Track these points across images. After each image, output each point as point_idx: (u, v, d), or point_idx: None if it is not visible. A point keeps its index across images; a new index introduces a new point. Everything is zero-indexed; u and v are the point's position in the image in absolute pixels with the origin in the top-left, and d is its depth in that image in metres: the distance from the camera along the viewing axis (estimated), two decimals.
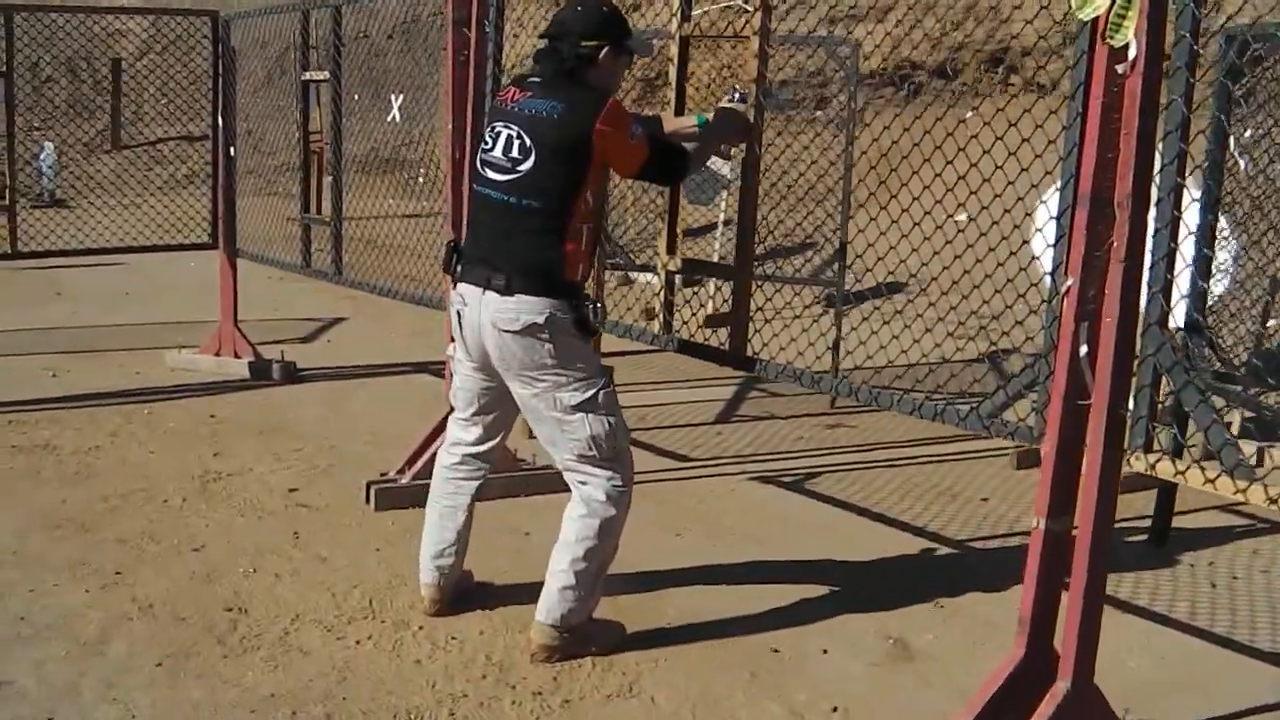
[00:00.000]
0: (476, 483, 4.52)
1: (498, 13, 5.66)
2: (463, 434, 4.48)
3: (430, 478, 4.70)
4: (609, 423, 4.10)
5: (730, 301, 5.07)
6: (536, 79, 4.14)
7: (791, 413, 7.86)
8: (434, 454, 5.58)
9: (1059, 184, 5.15)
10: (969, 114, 10.96)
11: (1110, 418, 3.26)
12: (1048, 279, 5.63)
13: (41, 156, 15.73)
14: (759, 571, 5.15)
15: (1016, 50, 14.51)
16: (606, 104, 4.01)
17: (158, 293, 10.90)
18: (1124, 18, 3.13)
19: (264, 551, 5.11)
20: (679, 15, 4.85)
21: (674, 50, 4.89)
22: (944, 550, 5.53)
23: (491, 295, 4.02)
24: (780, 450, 7.04)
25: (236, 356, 8.13)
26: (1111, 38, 3.16)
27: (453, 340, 4.36)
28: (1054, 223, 4.14)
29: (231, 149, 8.05)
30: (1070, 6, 3.21)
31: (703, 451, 6.94)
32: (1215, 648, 4.62)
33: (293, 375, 8.13)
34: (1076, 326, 3.33)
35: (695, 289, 11.54)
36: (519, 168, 4.02)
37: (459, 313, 4.16)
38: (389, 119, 12.10)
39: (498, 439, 4.53)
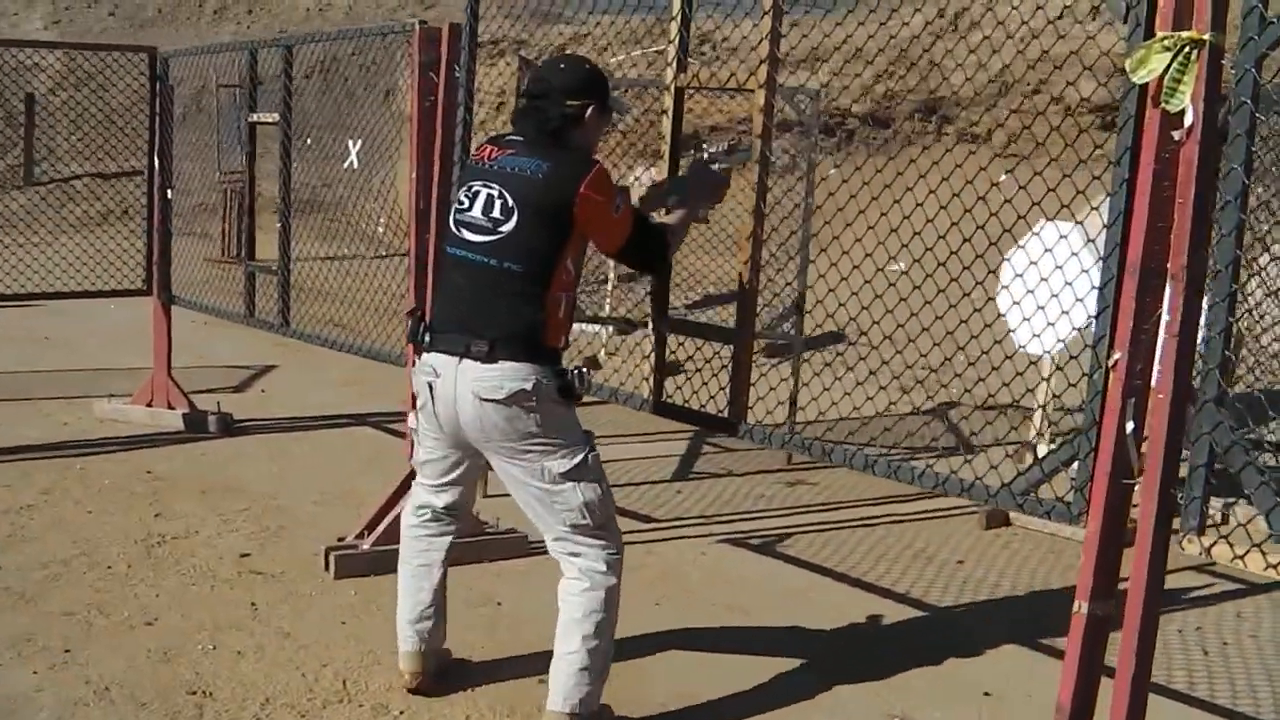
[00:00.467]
0: (448, 539, 4.28)
1: (469, 56, 5.44)
2: (431, 498, 4.24)
3: (391, 543, 4.50)
4: (599, 489, 3.90)
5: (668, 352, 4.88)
6: (518, 137, 3.96)
7: (748, 468, 7.68)
8: (395, 518, 5.36)
9: (1022, 243, 5.09)
10: (909, 165, 10.91)
11: (1162, 497, 3.10)
12: (1013, 337, 5.54)
13: None
14: (744, 643, 4.94)
15: (950, 100, 14.54)
16: (594, 168, 3.84)
17: (79, 337, 10.48)
18: (1180, 82, 2.99)
19: (222, 625, 4.80)
20: (675, 65, 4.65)
21: (669, 102, 4.69)
22: (927, 615, 5.37)
23: (470, 364, 3.78)
24: (744, 510, 6.84)
25: (170, 407, 7.78)
26: (1167, 102, 3.01)
27: (414, 411, 4.14)
28: (1019, 280, 4.07)
29: (169, 191, 7.72)
30: (1125, 68, 3.06)
31: (665, 511, 6.72)
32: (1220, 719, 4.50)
33: (229, 427, 7.80)
34: (1124, 402, 3.17)
35: (623, 337, 11.34)
36: (500, 228, 3.81)
37: (429, 384, 3.90)
38: (345, 165, 11.75)
39: (468, 499, 4.37)
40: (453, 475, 4.14)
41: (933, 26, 13.83)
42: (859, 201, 4.36)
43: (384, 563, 5.39)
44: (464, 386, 3.79)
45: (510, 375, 3.75)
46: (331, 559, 5.41)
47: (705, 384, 4.86)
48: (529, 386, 3.75)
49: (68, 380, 9.09)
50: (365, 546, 5.49)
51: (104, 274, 8.19)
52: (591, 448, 3.91)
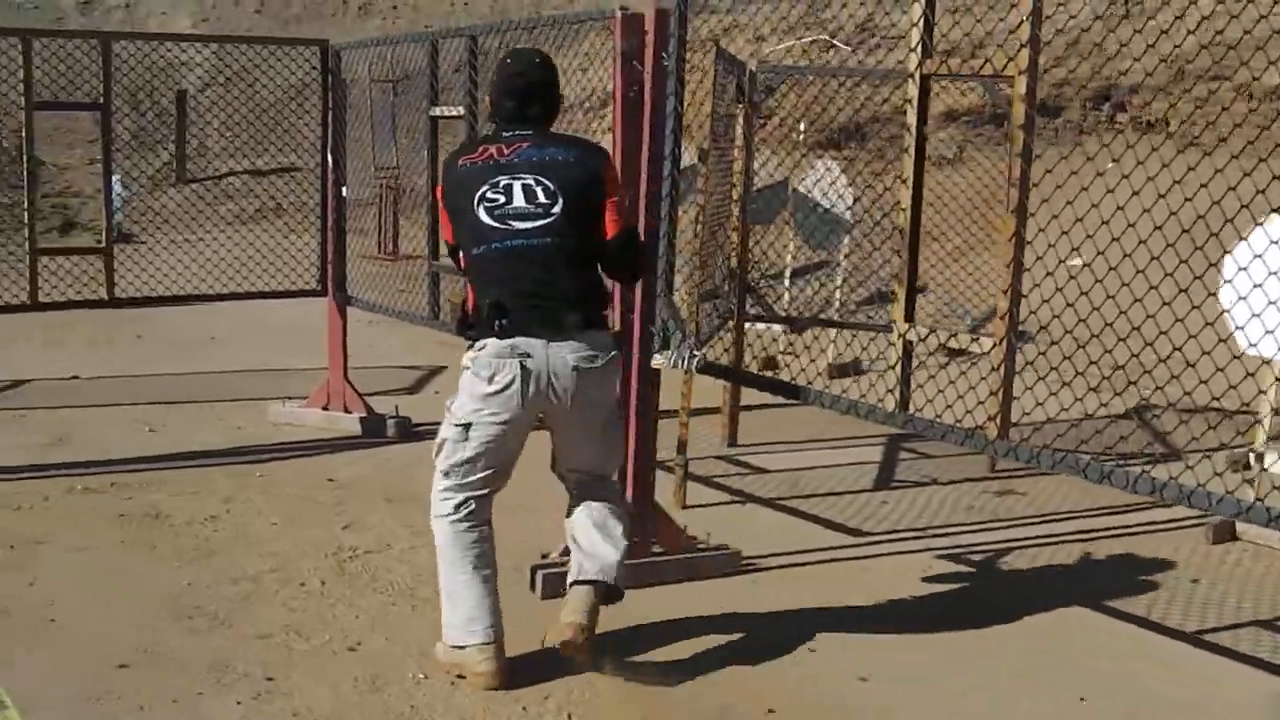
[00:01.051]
0: (489, 528, 4.35)
1: (679, 43, 5.05)
2: (471, 494, 4.26)
3: None
4: (624, 441, 4.67)
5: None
6: (526, 130, 4.25)
7: (950, 475, 7.21)
8: None
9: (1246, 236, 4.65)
10: (1109, 161, 10.33)
11: None
12: (1239, 334, 5.05)
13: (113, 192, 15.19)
14: (1036, 691, 4.48)
15: (1123, 87, 13.86)
16: (605, 155, 4.36)
17: (244, 336, 10.30)
18: None
19: (430, 651, 4.48)
20: (920, 50, 4.22)
21: (913, 91, 4.26)
22: (1178, 643, 4.88)
23: (564, 342, 4.08)
24: (955, 523, 6.36)
25: (347, 411, 7.53)
26: None
27: (458, 410, 4.20)
28: (1244, 275, 3.84)
29: (345, 189, 7.47)
30: None
31: (875, 524, 6.29)
32: None
33: (408, 432, 7.53)
34: None
35: (794, 335, 10.96)
36: (551, 212, 4.12)
37: (522, 364, 4.06)
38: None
39: (498, 489, 4.39)
40: (497, 464, 4.25)
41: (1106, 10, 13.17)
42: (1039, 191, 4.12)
43: None
44: (560, 361, 4.08)
45: (600, 344, 4.17)
46: (539, 578, 5.08)
47: (960, 397, 4.44)
48: (616, 352, 4.28)
49: (237, 382, 8.92)
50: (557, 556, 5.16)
51: (267, 273, 7.87)
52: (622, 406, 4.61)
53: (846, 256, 10.19)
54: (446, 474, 4.25)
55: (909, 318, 4.35)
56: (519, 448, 4.28)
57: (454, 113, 6.47)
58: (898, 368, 4.37)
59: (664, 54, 5.04)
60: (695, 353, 4.97)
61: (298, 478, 6.55)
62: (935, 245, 10.76)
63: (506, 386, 4.06)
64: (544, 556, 5.28)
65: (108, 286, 6.93)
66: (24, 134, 6.64)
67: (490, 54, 5.56)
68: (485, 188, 4.15)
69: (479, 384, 4.10)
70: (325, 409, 7.61)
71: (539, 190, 4.12)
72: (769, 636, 4.75)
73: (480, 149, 4.25)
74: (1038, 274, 4.25)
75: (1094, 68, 13.87)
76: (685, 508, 6.31)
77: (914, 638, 4.84)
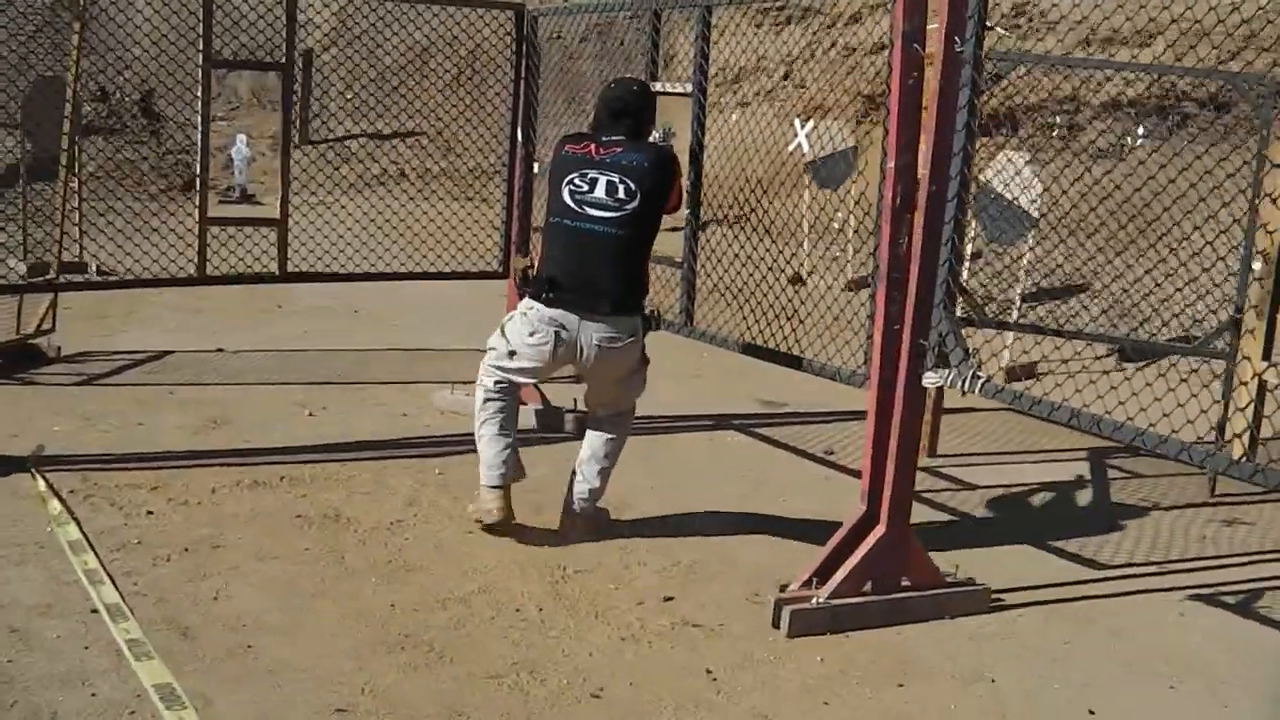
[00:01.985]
0: (517, 402, 5.43)
1: (979, 24, 4.36)
2: (513, 378, 5.26)
3: (849, 596, 4.56)
4: (642, 388, 5.44)
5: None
6: (619, 137, 5.15)
7: (1169, 500, 6.50)
8: (855, 569, 4.47)
9: None
10: None
11: None
12: None
13: (234, 149, 14.74)
14: None
15: None
16: (676, 160, 5.25)
17: (392, 312, 9.70)
18: None
19: (684, 701, 3.90)
20: None
21: None
22: None
23: (595, 323, 5.03)
24: (1192, 556, 5.68)
25: (521, 403, 6.91)
26: None
27: (513, 337, 5.16)
28: None
29: (536, 165, 6.86)
30: None
31: (1109, 554, 5.62)
32: None
33: (586, 427, 6.93)
34: None
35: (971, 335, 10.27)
36: (626, 207, 5.02)
37: (557, 333, 5.04)
38: (792, 148, 10.57)
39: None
40: (534, 377, 5.50)
41: None
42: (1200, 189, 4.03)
43: (846, 619, 4.56)
44: (587, 337, 5.04)
45: (625, 328, 5.10)
46: (785, 615, 4.47)
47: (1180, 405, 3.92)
48: (637, 335, 5.16)
49: (389, 362, 8.39)
50: (821, 600, 4.54)
51: (435, 250, 7.27)
52: (648, 361, 5.35)
53: (1031, 249, 9.48)
54: (493, 365, 5.22)
55: (1267, 355, 3.68)
56: (549, 374, 5.49)
57: (678, 90, 5.84)
58: (1247, 410, 3.69)
59: (957, 38, 4.37)
60: (979, 374, 4.33)
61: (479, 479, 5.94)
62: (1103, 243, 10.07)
63: (542, 345, 5.07)
64: (783, 589, 4.66)
65: (280, 260, 6.37)
66: (201, 95, 6.08)
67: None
68: (575, 175, 5.07)
69: (524, 332, 5.09)
70: None
71: (620, 188, 5.02)
72: (1044, 699, 4.13)
73: (584, 143, 5.17)
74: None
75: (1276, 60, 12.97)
76: (933, 528, 5.70)
77: (1195, 697, 4.21)
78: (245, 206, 14.73)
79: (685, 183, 5.54)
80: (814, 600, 4.54)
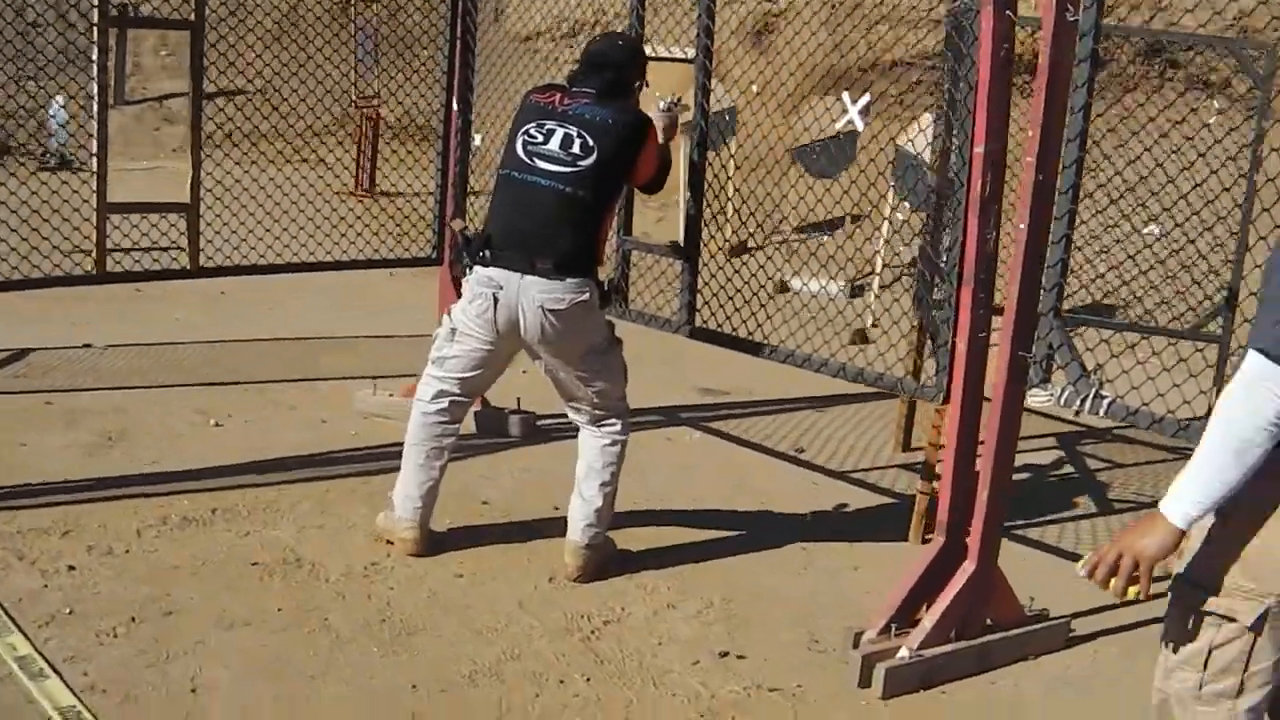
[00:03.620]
0: (458, 427, 4.77)
1: None
2: (451, 388, 4.66)
3: (937, 644, 3.95)
4: (624, 372, 4.70)
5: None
6: (589, 89, 4.53)
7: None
8: (944, 615, 3.90)
9: None
10: None
11: None
12: None
13: (51, 112, 13.33)
14: None
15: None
16: (650, 124, 4.59)
17: (261, 294, 8.67)
18: None
19: None
20: None
21: None
22: None
23: (534, 279, 4.36)
24: None
25: None
26: None
27: (449, 315, 4.64)
28: None
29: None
30: None
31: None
32: None
33: (534, 429, 6.20)
34: None
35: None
36: (580, 163, 4.41)
37: (494, 295, 4.39)
38: (843, 124, 9.53)
39: (483, 390, 5.00)
40: (480, 370, 4.64)
41: None
42: None
43: (940, 672, 3.97)
44: (527, 298, 4.37)
45: (571, 289, 4.38)
46: (880, 674, 3.83)
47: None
48: (585, 297, 4.42)
49: (285, 355, 7.48)
50: (912, 652, 3.92)
51: (305, 233, 6.35)
52: (619, 342, 4.64)
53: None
54: (433, 362, 4.67)
55: None
56: (499, 367, 4.73)
57: (674, 55, 5.12)
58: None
59: (1069, 6, 3.74)
60: (1104, 393, 3.74)
61: (441, 500, 5.13)
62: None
63: (483, 313, 4.45)
64: (857, 638, 4.03)
65: (191, 252, 5.42)
66: (97, 59, 5.11)
67: None
68: (532, 125, 4.50)
69: (465, 304, 4.53)
70: None
71: (576, 142, 4.42)
72: None
73: (549, 92, 4.61)
74: None
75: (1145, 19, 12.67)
76: (926, 541, 5.14)
77: None
78: (67, 174, 13.35)
79: (682, 161, 4.84)
80: (904, 653, 3.92)
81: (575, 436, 4.79)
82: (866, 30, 8.38)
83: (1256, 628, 2.38)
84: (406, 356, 7.33)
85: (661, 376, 7.24)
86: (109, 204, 5.12)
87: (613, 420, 4.68)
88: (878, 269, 9.97)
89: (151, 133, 15.00)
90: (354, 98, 13.13)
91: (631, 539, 4.93)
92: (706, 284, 5.13)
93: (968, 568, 4.05)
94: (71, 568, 4.32)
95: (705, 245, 5.21)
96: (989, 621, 4.17)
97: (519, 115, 4.61)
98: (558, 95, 4.57)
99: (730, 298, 5.07)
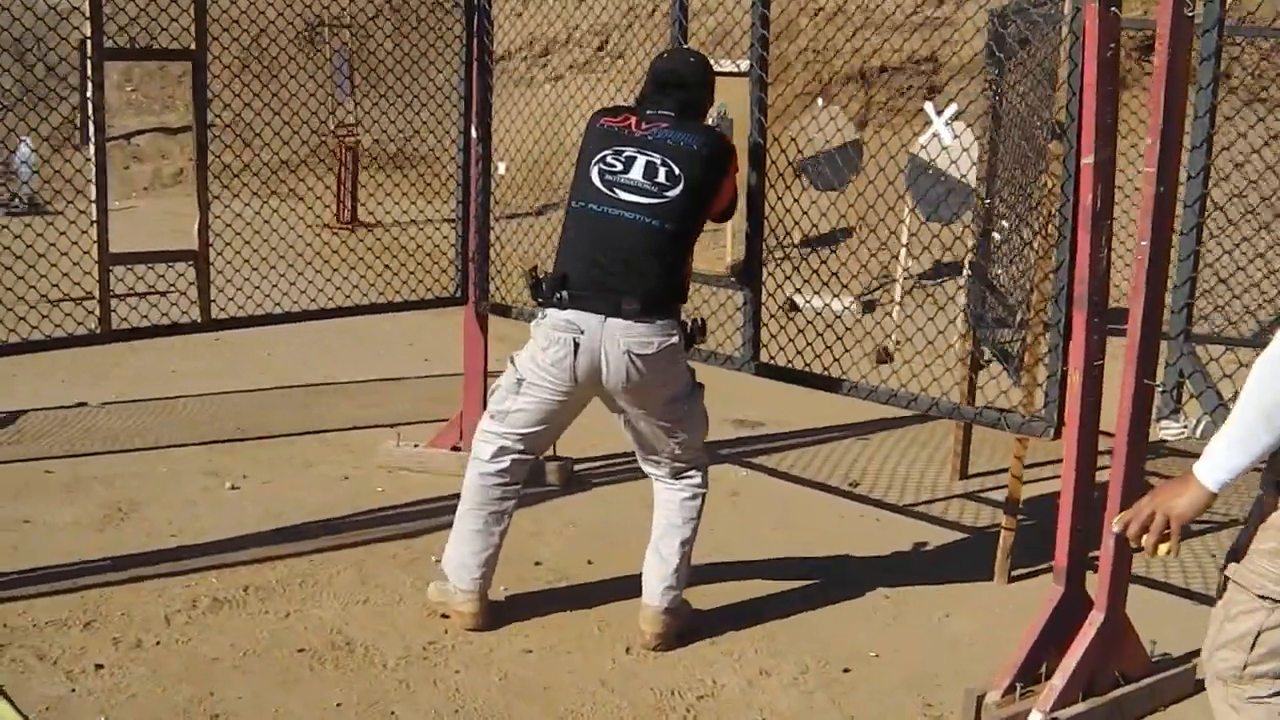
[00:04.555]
0: (519, 488, 4.39)
1: None
2: (514, 444, 4.26)
3: (1070, 704, 3.59)
4: (706, 421, 4.31)
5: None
6: (667, 112, 4.16)
7: None
8: (1078, 668, 3.52)
9: None
10: None
11: None
12: None
13: (18, 154, 12.85)
14: None
15: None
16: (733, 151, 4.23)
17: (260, 336, 8.16)
18: None
19: None
20: None
21: None
22: None
23: (619, 322, 3.98)
24: None
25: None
26: None
27: (515, 365, 4.18)
28: None
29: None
30: None
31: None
32: None
33: (573, 478, 5.81)
34: None
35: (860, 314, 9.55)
36: (666, 193, 4.04)
37: (575, 341, 4.00)
38: (925, 140, 8.95)
39: (547, 447, 4.55)
40: (546, 425, 4.23)
41: None
42: None
43: None
44: (612, 342, 3.97)
45: (659, 331, 4.01)
46: None
47: None
48: (675, 340, 4.05)
49: (292, 405, 7.06)
50: (1042, 716, 3.56)
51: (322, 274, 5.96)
52: (701, 387, 4.24)
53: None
54: (493, 416, 4.27)
55: None
56: (568, 420, 4.30)
57: (733, 68, 4.77)
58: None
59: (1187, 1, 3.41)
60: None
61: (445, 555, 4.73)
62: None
63: (560, 359, 4.03)
64: (979, 702, 3.66)
65: (202, 303, 5.00)
66: (93, 96, 4.70)
67: None
68: (608, 152, 4.11)
69: (536, 350, 4.09)
70: (457, 449, 5.83)
71: (661, 171, 4.05)
72: None
73: (623, 115, 4.22)
74: None
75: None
76: (1013, 580, 4.81)
77: None
78: (37, 219, 12.88)
79: (742, 182, 4.48)
80: (1035, 718, 3.56)
81: (614, 482, 4.56)
82: (851, 35, 8.09)
83: None
84: (418, 401, 6.99)
85: None
86: (112, 254, 4.70)
87: (693, 472, 4.32)
88: (899, 279, 9.63)
89: (121, 171, 14.51)
90: (332, 127, 12.71)
91: (702, 597, 4.55)
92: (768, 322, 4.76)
93: (1095, 618, 3.70)
94: (99, 666, 3.90)
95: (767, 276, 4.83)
96: (1117, 674, 3.82)
97: (588, 141, 4.22)
98: (633, 120, 4.19)
99: (800, 331, 4.70)
